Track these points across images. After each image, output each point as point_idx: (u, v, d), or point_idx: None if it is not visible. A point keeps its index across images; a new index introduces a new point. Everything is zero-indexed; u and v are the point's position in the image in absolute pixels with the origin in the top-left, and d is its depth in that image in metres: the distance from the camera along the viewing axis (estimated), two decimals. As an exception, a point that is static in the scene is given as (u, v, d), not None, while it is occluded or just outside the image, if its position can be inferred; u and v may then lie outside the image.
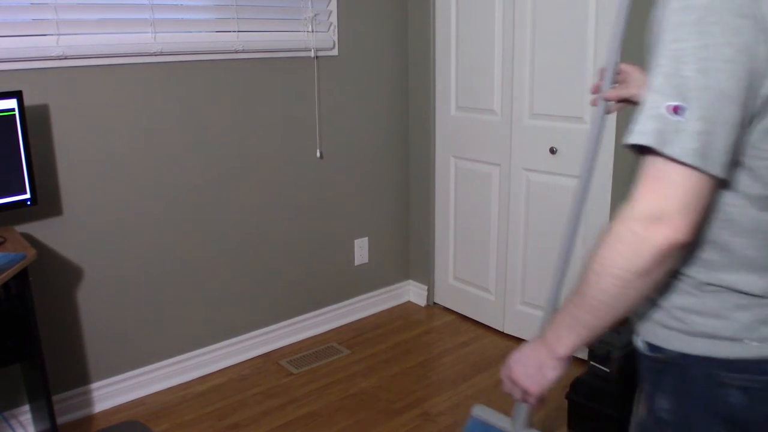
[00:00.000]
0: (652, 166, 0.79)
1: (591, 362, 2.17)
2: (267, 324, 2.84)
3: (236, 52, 2.48)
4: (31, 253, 1.79)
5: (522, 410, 1.57)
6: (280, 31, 2.59)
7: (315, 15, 2.67)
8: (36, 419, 2.16)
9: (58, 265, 2.21)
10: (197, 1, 2.38)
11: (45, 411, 1.92)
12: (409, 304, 3.34)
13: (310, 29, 2.67)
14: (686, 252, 0.87)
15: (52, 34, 2.06)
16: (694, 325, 0.90)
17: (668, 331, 0.93)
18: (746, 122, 0.79)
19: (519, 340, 2.89)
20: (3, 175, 1.87)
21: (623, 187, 2.39)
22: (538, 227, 2.73)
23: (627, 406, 2.10)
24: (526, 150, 2.69)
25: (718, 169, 0.77)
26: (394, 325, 3.11)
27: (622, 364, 2.09)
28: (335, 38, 2.79)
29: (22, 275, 1.77)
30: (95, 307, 2.32)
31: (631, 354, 2.10)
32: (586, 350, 2.20)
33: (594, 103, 1.31)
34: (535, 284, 2.78)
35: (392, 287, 3.31)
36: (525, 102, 2.65)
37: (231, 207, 2.60)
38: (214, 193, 2.55)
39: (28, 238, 2.11)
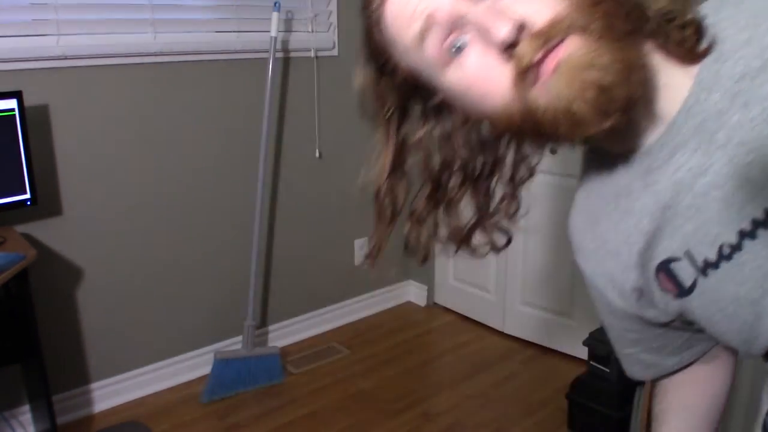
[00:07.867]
0: None
1: (591, 362, 2.17)
2: (267, 324, 2.84)
3: (236, 52, 2.48)
4: (31, 253, 1.79)
5: (249, 336, 2.44)
6: (280, 31, 2.58)
7: (315, 15, 2.67)
8: (36, 419, 2.16)
9: (58, 265, 2.21)
10: (197, 1, 2.38)
11: (45, 411, 1.92)
12: (409, 304, 3.34)
13: (310, 29, 2.67)
14: None
15: (52, 34, 2.06)
16: None
17: None
18: None
19: (519, 340, 2.89)
20: (3, 175, 1.87)
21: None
22: (538, 227, 2.72)
23: (627, 406, 2.10)
24: (526, 150, 2.69)
25: None
26: (394, 325, 3.11)
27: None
28: (335, 38, 2.79)
29: (22, 275, 1.77)
30: (95, 307, 2.32)
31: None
32: (586, 350, 2.19)
33: None
34: (536, 284, 2.78)
35: (392, 287, 3.31)
36: (525, 102, 2.65)
37: (231, 207, 2.60)
38: (214, 192, 2.55)
39: (28, 238, 2.11)
